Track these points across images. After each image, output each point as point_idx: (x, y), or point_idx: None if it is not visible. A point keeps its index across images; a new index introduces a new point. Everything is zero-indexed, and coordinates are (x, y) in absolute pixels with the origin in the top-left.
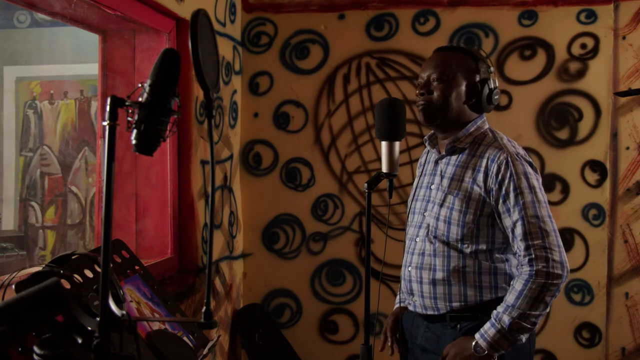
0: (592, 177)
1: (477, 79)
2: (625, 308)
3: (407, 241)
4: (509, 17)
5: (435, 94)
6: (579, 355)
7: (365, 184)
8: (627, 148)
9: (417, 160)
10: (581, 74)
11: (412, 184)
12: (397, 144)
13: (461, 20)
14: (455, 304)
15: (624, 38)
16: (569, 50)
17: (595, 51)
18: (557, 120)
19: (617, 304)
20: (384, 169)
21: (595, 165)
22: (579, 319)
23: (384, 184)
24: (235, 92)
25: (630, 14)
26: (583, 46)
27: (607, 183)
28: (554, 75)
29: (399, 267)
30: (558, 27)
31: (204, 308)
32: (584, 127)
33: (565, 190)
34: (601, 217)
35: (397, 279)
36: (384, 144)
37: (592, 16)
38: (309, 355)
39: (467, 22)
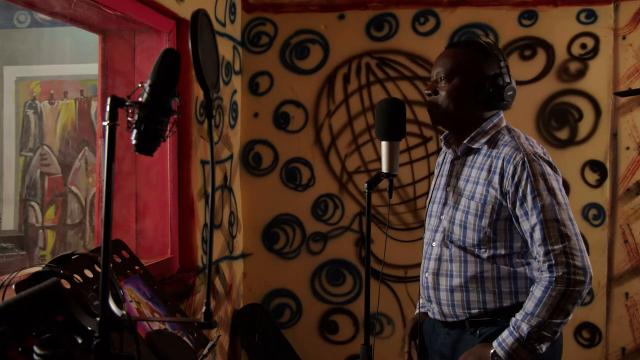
0: (592, 177)
1: (488, 75)
2: (625, 308)
3: (424, 246)
4: (509, 17)
5: (441, 94)
6: (579, 355)
7: (365, 184)
8: (627, 148)
9: (417, 160)
10: (581, 74)
11: (412, 184)
12: (397, 144)
13: (461, 20)
14: (474, 311)
15: (624, 38)
16: (569, 50)
17: (595, 51)
18: (557, 120)
19: (617, 304)
20: (384, 169)
21: (595, 165)
22: (579, 319)
23: (384, 184)
24: (235, 92)
25: (630, 14)
26: (583, 46)
27: (607, 183)
28: (554, 75)
29: (399, 267)
30: (558, 27)
31: (204, 308)
32: (584, 127)
33: (565, 190)
34: (601, 217)
35: (398, 279)
36: (384, 144)
37: (592, 16)
38: (309, 355)
39: (467, 22)
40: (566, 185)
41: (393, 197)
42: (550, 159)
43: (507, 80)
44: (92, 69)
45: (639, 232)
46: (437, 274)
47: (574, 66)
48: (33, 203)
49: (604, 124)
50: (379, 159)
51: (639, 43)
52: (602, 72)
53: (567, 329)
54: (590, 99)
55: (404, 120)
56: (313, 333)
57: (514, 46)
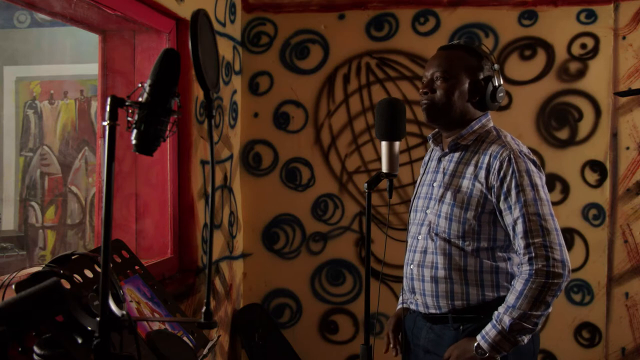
0: (592, 177)
1: (481, 76)
2: (625, 308)
3: (409, 239)
4: (509, 17)
5: (439, 92)
6: (579, 355)
7: (365, 184)
8: (627, 148)
9: (417, 160)
10: (581, 74)
11: (412, 184)
12: (397, 144)
13: (461, 20)
14: (458, 303)
15: (624, 38)
16: (569, 50)
17: (595, 51)
18: (557, 120)
19: (617, 304)
20: (384, 169)
21: (595, 165)
22: (579, 319)
23: (384, 184)
24: (235, 92)
25: (630, 14)
26: (583, 46)
27: (607, 183)
28: (554, 75)
29: (399, 267)
30: (558, 27)
31: (204, 308)
32: (584, 127)
33: (565, 190)
34: (601, 217)
35: (398, 279)
36: (383, 144)
37: (592, 16)
38: (309, 355)
39: (467, 22)
40: (566, 185)
41: (393, 197)
42: (534, 158)
43: (499, 82)
44: (92, 69)
45: (639, 232)
46: (422, 265)
47: (574, 66)
48: (33, 203)
49: (604, 124)
50: (379, 159)
51: (639, 43)
52: (602, 72)
53: (567, 329)
54: (590, 99)
55: (404, 121)
56: (313, 333)
57: (514, 46)
